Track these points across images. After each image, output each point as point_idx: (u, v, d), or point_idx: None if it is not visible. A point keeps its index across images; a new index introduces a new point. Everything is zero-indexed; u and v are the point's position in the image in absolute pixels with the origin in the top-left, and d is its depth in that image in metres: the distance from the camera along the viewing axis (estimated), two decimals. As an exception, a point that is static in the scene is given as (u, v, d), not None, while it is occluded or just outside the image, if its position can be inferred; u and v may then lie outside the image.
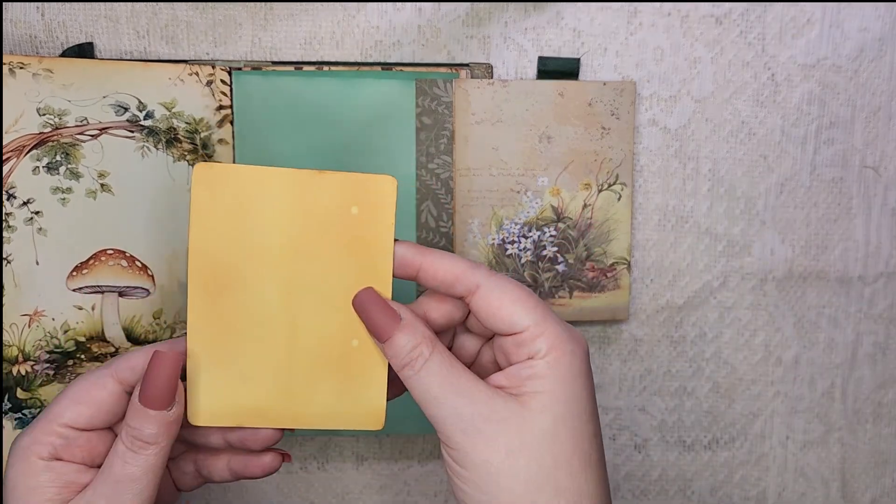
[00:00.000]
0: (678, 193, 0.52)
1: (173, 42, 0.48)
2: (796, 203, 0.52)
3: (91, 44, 0.47)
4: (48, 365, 0.47)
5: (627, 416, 0.53)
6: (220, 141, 0.47)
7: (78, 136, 0.46)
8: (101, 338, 0.47)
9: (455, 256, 0.37)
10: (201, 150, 0.47)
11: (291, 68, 0.48)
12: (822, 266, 0.53)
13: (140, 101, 0.47)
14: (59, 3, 0.47)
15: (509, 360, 0.36)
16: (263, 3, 0.48)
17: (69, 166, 0.46)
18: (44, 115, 0.46)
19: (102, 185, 0.47)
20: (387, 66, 0.48)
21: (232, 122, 0.47)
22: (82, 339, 0.47)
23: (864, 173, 0.52)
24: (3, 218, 0.46)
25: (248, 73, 0.47)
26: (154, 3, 0.48)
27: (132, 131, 0.47)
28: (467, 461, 0.33)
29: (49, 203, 0.46)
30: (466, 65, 0.49)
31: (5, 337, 0.46)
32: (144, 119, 0.47)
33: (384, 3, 0.49)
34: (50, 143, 0.46)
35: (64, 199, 0.46)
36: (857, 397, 0.54)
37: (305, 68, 0.48)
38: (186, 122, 0.47)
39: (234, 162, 0.48)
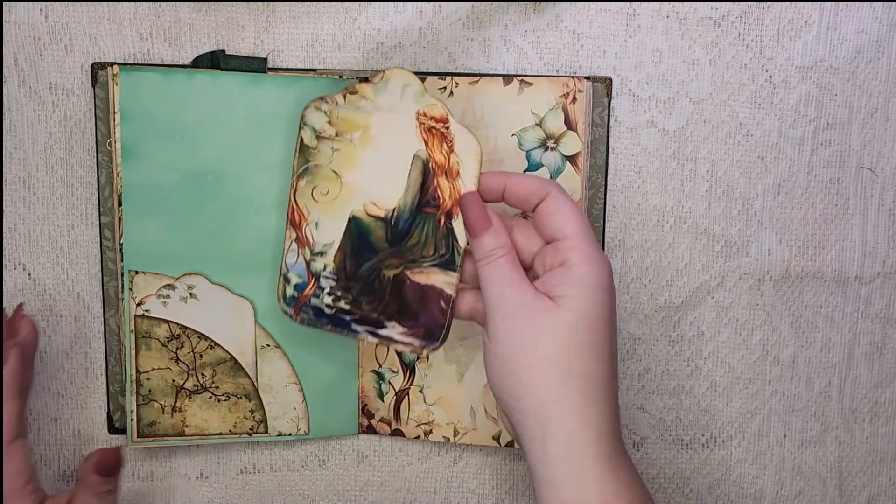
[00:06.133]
0: (676, 194, 0.52)
1: (176, 44, 0.49)
2: (793, 203, 0.53)
3: None
4: None
5: (626, 415, 0.54)
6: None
7: None
8: None
9: (533, 175, 0.47)
10: None
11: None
12: (819, 266, 0.53)
13: None
14: (62, 5, 0.48)
15: (545, 265, 0.43)
16: (265, 5, 0.49)
17: None
18: None
19: None
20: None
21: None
22: None
23: (860, 174, 0.53)
24: None
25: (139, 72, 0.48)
26: (157, 5, 0.48)
27: None
28: (500, 338, 0.42)
29: None
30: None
31: None
32: None
33: (385, 5, 0.49)
34: None
35: None
36: (853, 396, 0.55)
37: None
38: None
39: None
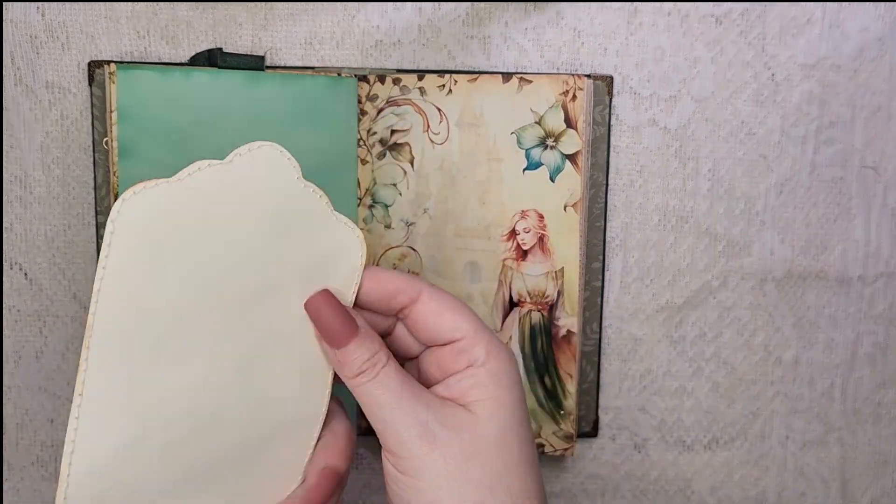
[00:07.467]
0: (678, 193, 0.52)
1: (173, 42, 0.48)
2: (796, 203, 0.52)
3: None
4: None
5: (627, 416, 0.53)
6: None
7: None
8: None
9: (391, 270, 0.38)
10: None
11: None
12: (822, 266, 0.53)
13: None
14: (59, 4, 0.48)
15: (445, 371, 0.36)
16: (263, 3, 0.48)
17: None
18: None
19: None
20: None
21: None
22: None
23: (863, 173, 0.52)
24: None
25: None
26: (154, 3, 0.48)
27: None
28: (416, 467, 0.34)
29: None
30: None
31: None
32: None
33: (384, 3, 0.49)
34: None
35: None
36: (856, 397, 0.54)
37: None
38: None
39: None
